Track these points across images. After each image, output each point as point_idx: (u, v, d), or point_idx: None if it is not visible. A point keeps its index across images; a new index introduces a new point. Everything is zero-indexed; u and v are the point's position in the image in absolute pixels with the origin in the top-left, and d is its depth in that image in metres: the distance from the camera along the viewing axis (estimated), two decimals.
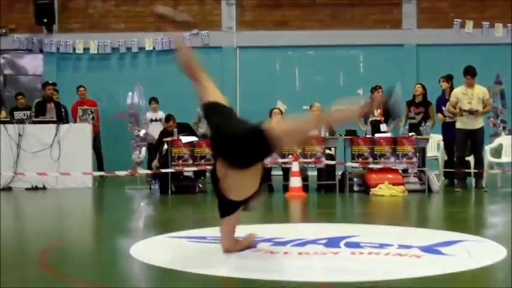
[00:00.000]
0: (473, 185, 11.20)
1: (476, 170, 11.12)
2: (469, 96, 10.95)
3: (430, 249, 5.26)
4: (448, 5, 16.12)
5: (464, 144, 11.05)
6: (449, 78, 12.12)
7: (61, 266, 5.03)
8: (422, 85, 12.35)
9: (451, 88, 11.79)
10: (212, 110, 5.16)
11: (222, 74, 16.13)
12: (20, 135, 11.84)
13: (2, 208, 9.85)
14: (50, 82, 13.69)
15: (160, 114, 13.95)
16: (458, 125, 11.06)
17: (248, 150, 4.83)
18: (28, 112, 12.93)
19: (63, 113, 13.19)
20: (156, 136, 12.42)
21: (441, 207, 9.88)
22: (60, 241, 6.29)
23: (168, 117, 11.86)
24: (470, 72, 10.98)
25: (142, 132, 13.11)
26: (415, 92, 12.21)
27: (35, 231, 7.13)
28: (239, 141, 4.82)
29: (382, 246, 5.40)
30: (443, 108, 11.87)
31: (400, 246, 5.36)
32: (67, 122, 12.67)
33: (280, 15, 16.31)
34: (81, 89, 14.64)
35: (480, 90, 11.04)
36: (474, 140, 10.98)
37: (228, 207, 5.03)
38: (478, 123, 10.96)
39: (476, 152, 11.07)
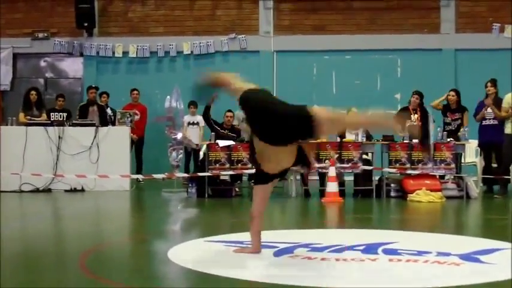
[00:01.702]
0: None
1: None
2: None
3: (469, 257, 5.20)
4: (487, 9, 15.93)
5: None
6: (495, 82, 11.92)
7: (100, 269, 5.09)
8: (456, 91, 12.19)
9: (496, 93, 11.67)
10: (253, 93, 5.29)
11: (259, 78, 16.11)
12: (59, 137, 12.02)
13: (42, 209, 10.02)
14: (93, 86, 13.91)
15: (198, 118, 14.03)
16: (508, 131, 10.94)
17: (291, 129, 4.97)
18: (64, 114, 13.14)
19: (113, 116, 13.39)
20: (194, 140, 12.48)
21: (480, 214, 9.76)
22: (99, 245, 6.37)
23: None
24: None
25: (179, 136, 13.21)
26: (449, 99, 12.05)
27: (74, 233, 7.23)
28: (285, 119, 4.96)
29: (420, 253, 5.36)
30: (484, 111, 11.73)
31: (439, 254, 5.31)
32: (114, 124, 12.81)
33: (317, 19, 16.30)
34: (135, 92, 14.79)
35: None
36: None
37: (261, 177, 5.29)
38: None
39: None
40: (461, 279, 4.48)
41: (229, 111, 12.68)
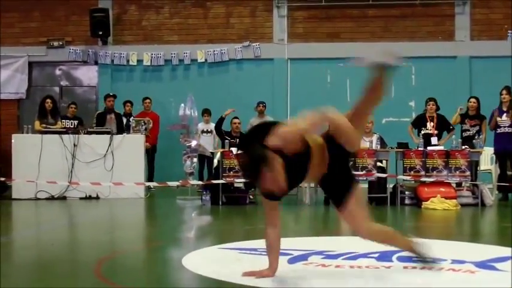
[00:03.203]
0: None
1: None
2: None
3: (484, 265, 5.18)
4: (502, 16, 15.88)
5: None
6: (510, 90, 11.88)
7: (115, 276, 5.11)
8: (477, 98, 12.16)
9: (511, 101, 11.64)
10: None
11: (273, 85, 16.22)
12: (75, 145, 12.09)
13: (58, 216, 10.08)
14: (111, 94, 13.99)
15: (212, 126, 14.07)
16: None
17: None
18: (75, 122, 13.21)
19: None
20: (207, 147, 12.50)
21: (495, 221, 9.70)
22: (114, 252, 6.39)
23: None
24: None
25: (193, 143, 13.25)
26: (470, 106, 12.02)
27: (89, 241, 7.26)
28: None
29: (435, 261, 5.33)
30: (498, 118, 11.70)
31: (454, 261, 5.29)
32: (128, 132, 12.87)
33: (331, 27, 16.31)
34: (147, 101, 14.85)
35: None
36: None
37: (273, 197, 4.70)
38: None
39: None
40: (477, 287, 4.46)
41: (236, 118, 12.74)
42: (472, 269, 5.04)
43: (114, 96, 13.99)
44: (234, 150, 11.05)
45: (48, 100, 13.06)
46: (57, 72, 17.09)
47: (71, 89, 17.07)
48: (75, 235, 8.14)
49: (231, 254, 5.88)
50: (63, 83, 17.10)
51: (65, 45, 16.65)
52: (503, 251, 5.94)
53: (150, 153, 14.17)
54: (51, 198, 11.83)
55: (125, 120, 13.87)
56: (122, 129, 13.16)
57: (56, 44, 16.59)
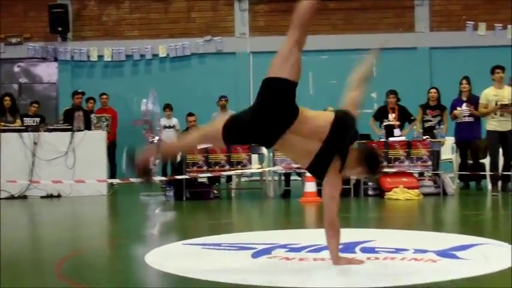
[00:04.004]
0: (500, 188, 11.05)
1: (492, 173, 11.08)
2: (500, 97, 10.94)
3: (446, 254, 5.23)
4: (461, 7, 16.10)
5: (496, 147, 11.01)
6: (469, 80, 12.01)
7: (77, 274, 5.04)
8: (437, 89, 12.30)
9: (470, 90, 11.78)
10: (233, 122, 4.75)
11: (236, 79, 16.20)
12: (35, 143, 11.91)
13: (18, 216, 9.93)
14: (79, 91, 13.82)
15: (174, 121, 14.00)
16: (490, 127, 11.05)
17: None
18: (38, 119, 13.03)
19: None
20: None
21: (456, 210, 9.83)
22: (76, 250, 6.32)
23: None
24: (500, 66, 11.02)
25: (156, 139, 13.14)
26: (431, 96, 12.15)
27: (51, 240, 7.17)
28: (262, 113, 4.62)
29: (397, 251, 5.38)
30: (458, 108, 11.82)
31: (416, 251, 5.34)
32: (89, 129, 12.72)
33: None
34: (104, 96, 14.72)
35: (510, 91, 11.01)
36: (505, 143, 10.93)
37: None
38: (509, 125, 10.91)
39: (507, 154, 11.00)
40: (438, 276, 4.50)
41: (191, 115, 12.71)
42: (433, 258, 5.08)
43: (83, 93, 13.85)
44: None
45: (7, 98, 12.87)
46: (16, 69, 16.85)
47: (30, 86, 16.84)
48: (37, 234, 8.02)
49: (195, 249, 5.85)
50: (22, 80, 16.86)
51: (24, 42, 16.41)
52: (464, 239, 6.01)
53: (111, 150, 14.03)
54: (12, 197, 11.63)
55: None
56: (90, 126, 12.97)
57: (14, 40, 16.34)
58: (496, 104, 10.96)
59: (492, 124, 11.04)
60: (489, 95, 11.09)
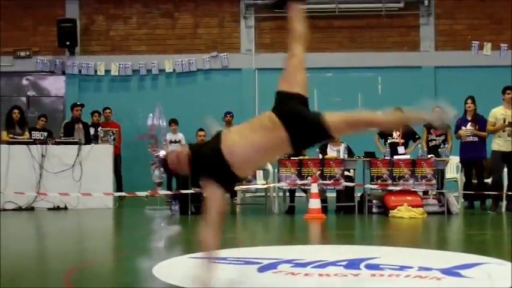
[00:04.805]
0: (504, 208, 11.10)
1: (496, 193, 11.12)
2: (508, 117, 11.02)
3: (450, 272, 5.28)
4: (466, 27, 16.18)
5: (500, 167, 11.08)
6: (474, 99, 12.05)
7: (85, 286, 5.11)
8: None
9: (475, 110, 11.84)
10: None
11: (241, 95, 16.31)
12: (42, 155, 12.00)
13: (25, 227, 10.00)
14: (78, 104, 13.91)
15: (180, 136, 14.10)
16: (494, 147, 11.12)
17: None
18: (45, 133, 13.14)
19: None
20: None
21: (461, 229, 9.86)
22: (83, 262, 6.38)
23: None
24: (511, 87, 11.12)
25: (162, 154, 13.22)
26: None
27: (58, 252, 7.23)
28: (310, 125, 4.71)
29: (402, 268, 5.43)
30: (463, 127, 11.86)
31: (421, 269, 5.39)
32: (97, 142, 12.83)
33: None
34: (107, 111, 14.80)
35: None
36: (510, 162, 10.99)
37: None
38: None
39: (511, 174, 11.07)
40: None
41: (201, 130, 12.79)
42: (438, 275, 5.14)
43: (82, 106, 13.92)
44: None
45: (16, 110, 12.97)
46: (24, 82, 16.98)
47: (38, 99, 16.96)
48: (44, 246, 8.08)
49: (201, 263, 5.89)
50: (30, 93, 16.99)
51: (32, 56, 16.54)
52: (469, 258, 6.07)
53: (115, 163, 14.11)
54: (19, 209, 11.72)
55: (93, 130, 13.83)
56: (89, 138, 13.11)
57: (22, 54, 16.49)
58: (504, 122, 11.04)
59: (497, 144, 11.11)
60: (498, 113, 11.18)
